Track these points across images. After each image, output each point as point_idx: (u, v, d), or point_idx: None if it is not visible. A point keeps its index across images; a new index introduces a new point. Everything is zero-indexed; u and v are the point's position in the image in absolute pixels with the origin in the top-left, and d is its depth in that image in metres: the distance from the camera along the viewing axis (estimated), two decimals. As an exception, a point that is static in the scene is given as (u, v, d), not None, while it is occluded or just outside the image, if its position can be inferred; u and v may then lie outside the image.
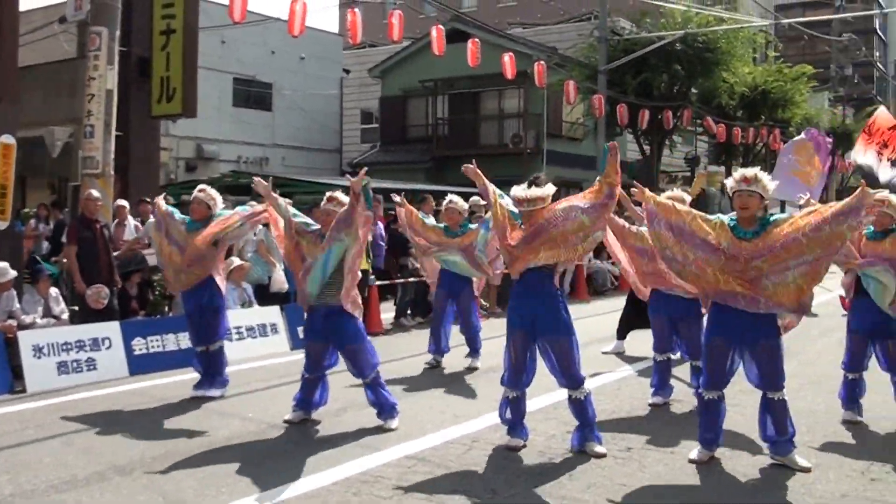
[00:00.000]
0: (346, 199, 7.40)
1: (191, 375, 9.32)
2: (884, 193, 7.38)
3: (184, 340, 10.54)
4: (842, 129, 44.16)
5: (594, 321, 14.80)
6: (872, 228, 7.37)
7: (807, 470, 6.22)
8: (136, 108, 16.31)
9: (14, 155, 10.69)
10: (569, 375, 6.67)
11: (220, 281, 8.92)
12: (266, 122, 31.87)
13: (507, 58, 19.28)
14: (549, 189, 6.72)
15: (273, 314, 12.07)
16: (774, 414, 6.29)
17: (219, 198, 8.94)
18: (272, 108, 32.15)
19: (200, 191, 8.88)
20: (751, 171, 6.16)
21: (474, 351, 10.76)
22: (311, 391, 7.71)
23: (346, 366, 7.59)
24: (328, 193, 7.69)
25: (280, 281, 12.80)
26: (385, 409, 7.54)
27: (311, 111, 33.05)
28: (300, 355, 11.05)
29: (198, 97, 17.21)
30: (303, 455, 6.73)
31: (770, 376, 6.28)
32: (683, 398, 8.55)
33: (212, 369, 8.91)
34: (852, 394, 7.78)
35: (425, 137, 33.44)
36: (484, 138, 32.66)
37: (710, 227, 6.16)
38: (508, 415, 6.84)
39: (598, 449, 6.63)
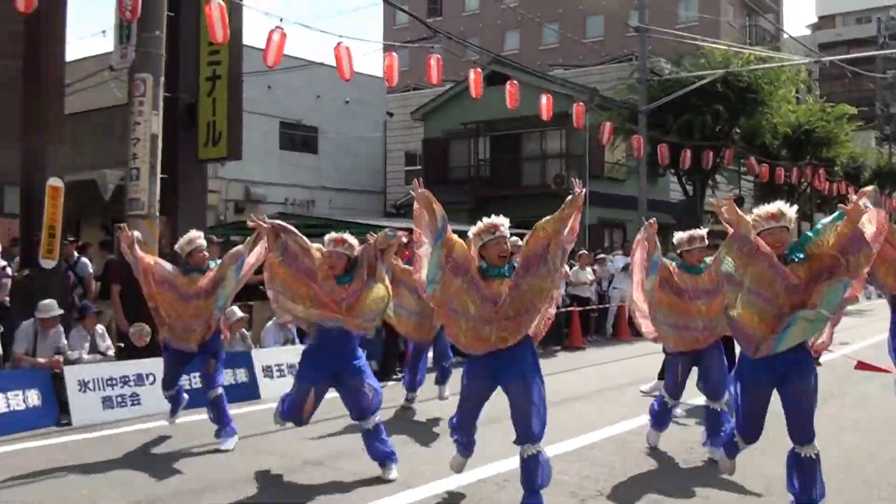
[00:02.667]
0: (354, 241, 7.34)
1: (237, 411, 9.52)
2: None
3: (226, 377, 10.80)
4: (888, 168, 43.84)
5: (639, 361, 14.88)
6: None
7: None
8: (183, 152, 16.71)
9: (62, 197, 11.10)
10: None
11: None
12: (312, 165, 32.31)
13: (545, 99, 19.49)
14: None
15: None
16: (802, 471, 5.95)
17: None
18: (318, 151, 32.61)
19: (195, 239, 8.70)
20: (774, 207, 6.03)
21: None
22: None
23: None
24: (334, 235, 7.37)
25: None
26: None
27: (356, 153, 33.48)
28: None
29: (245, 141, 17.59)
30: (336, 491, 6.88)
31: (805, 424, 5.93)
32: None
33: (217, 419, 8.74)
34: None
35: (467, 178, 33.70)
36: (526, 179, 32.84)
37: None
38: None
39: None
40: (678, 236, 8.11)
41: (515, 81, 18.99)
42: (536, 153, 32.93)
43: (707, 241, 8.02)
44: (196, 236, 8.71)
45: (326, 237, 7.40)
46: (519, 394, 6.09)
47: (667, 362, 8.22)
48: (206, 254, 8.76)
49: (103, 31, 38.91)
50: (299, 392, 7.31)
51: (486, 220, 6.19)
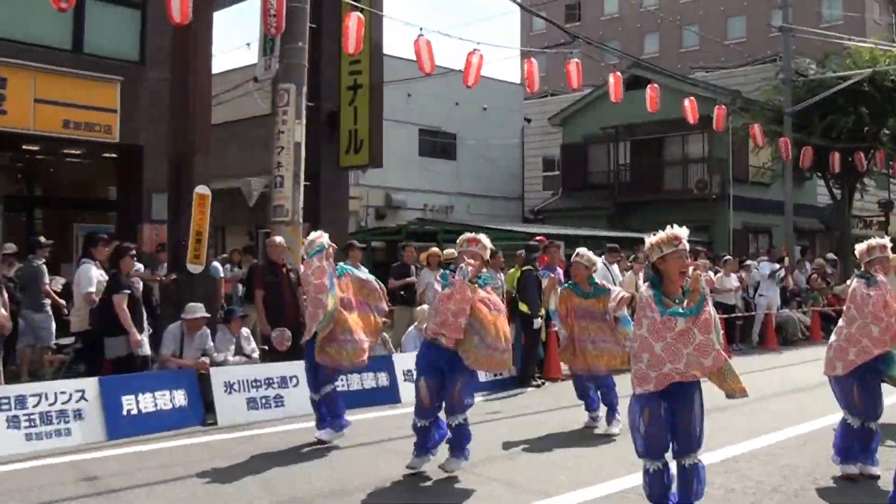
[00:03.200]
0: (488, 242, 7.59)
1: (377, 414, 9.72)
2: None
3: (368, 380, 11.00)
4: None
5: (787, 371, 14.44)
6: None
7: None
8: (326, 160, 17.15)
9: (209, 204, 11.40)
10: None
11: None
12: (451, 171, 32.51)
13: (688, 102, 19.09)
14: None
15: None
16: None
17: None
18: (456, 158, 32.80)
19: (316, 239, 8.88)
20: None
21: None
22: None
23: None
24: (468, 235, 7.73)
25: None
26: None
27: (494, 160, 33.54)
28: (477, 398, 11.39)
29: (385, 148, 17.86)
30: (477, 497, 6.92)
31: None
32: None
33: (329, 413, 8.98)
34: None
35: (607, 184, 33.38)
36: (667, 184, 32.26)
37: None
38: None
39: None
40: (859, 249, 7.79)
41: (656, 85, 18.67)
42: (678, 157, 32.29)
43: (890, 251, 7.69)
44: (315, 237, 8.91)
45: (460, 238, 7.67)
46: (686, 404, 5.89)
47: (839, 383, 7.70)
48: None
49: (247, 44, 40.11)
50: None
51: (667, 230, 5.90)
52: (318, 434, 8.89)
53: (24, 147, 16.81)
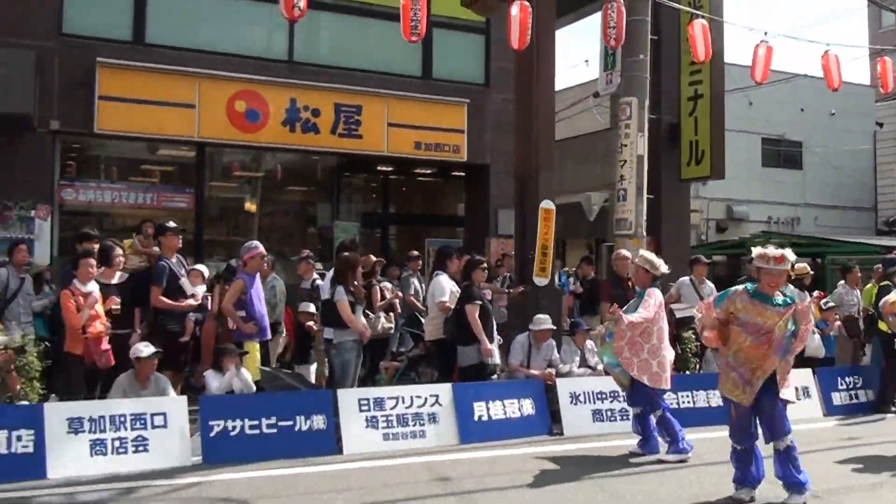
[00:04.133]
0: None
1: (718, 434, 9.55)
2: None
3: (714, 398, 10.74)
4: None
5: None
6: None
7: None
8: (666, 172, 17.04)
9: (553, 218, 11.68)
10: None
11: None
12: (796, 181, 31.19)
13: None
14: None
15: (805, 377, 11.71)
16: None
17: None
18: (802, 167, 31.44)
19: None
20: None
21: None
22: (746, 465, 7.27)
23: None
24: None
25: (816, 346, 12.54)
26: (789, 485, 7.06)
27: (843, 168, 31.82)
28: (831, 422, 10.89)
29: (727, 159, 17.48)
30: None
31: None
32: None
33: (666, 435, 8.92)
34: None
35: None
36: None
37: None
38: None
39: None
40: None
41: None
42: None
43: None
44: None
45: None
46: None
47: None
48: None
49: (586, 61, 40.63)
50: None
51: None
52: (661, 455, 8.84)
53: (378, 168, 18.03)
